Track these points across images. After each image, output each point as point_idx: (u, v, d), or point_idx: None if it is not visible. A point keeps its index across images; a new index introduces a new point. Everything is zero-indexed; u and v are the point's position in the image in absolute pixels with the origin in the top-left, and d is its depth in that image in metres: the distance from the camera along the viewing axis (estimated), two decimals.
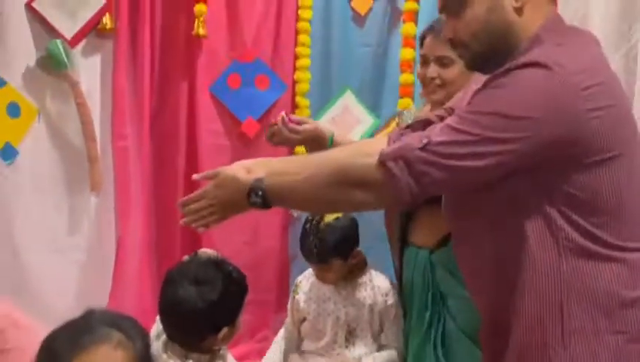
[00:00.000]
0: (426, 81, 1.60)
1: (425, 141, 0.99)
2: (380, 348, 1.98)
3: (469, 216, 1.12)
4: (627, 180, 1.02)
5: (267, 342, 2.37)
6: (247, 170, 1.16)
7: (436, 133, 1.01)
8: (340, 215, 1.92)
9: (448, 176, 1.00)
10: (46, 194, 2.40)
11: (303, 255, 2.02)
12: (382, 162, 1.02)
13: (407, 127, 1.27)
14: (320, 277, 2.00)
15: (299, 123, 1.66)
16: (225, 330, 1.37)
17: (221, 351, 1.44)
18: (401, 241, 1.73)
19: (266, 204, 1.13)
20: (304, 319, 2.07)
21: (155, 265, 2.68)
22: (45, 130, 2.42)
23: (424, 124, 1.20)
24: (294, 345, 2.09)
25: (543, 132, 0.97)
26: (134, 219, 2.56)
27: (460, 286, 1.52)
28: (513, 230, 1.03)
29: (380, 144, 1.09)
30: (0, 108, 2.32)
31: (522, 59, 1.01)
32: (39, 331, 1.81)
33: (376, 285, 2.00)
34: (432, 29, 1.61)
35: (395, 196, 1.03)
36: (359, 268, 2.01)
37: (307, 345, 2.06)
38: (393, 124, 2.05)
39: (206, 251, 1.55)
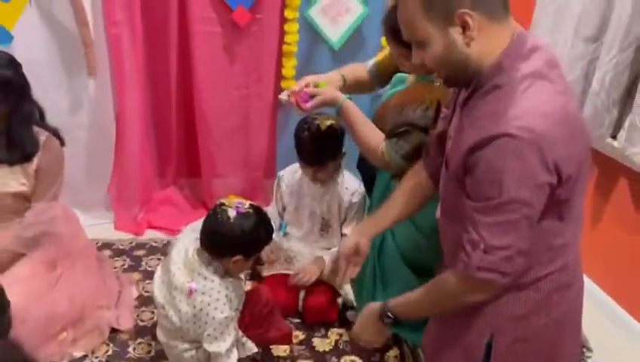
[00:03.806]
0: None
1: (482, 247, 1.19)
2: (342, 236, 2.27)
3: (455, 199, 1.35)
4: (574, 182, 1.20)
5: None
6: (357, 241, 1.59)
7: (484, 236, 1.19)
8: (334, 121, 2.07)
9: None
10: (45, 76, 2.46)
11: (301, 160, 2.18)
12: (470, 276, 1.23)
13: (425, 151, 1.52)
14: (314, 177, 2.20)
15: (307, 100, 1.80)
16: (239, 257, 1.72)
17: (236, 277, 1.79)
18: None
19: (397, 322, 1.47)
20: (285, 208, 2.37)
21: (154, 139, 2.89)
22: (38, 15, 2.43)
23: (438, 139, 1.44)
24: (277, 226, 2.38)
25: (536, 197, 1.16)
26: (130, 97, 2.67)
27: None
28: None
29: None
30: None
31: (496, 130, 1.11)
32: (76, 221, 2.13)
33: (346, 186, 2.25)
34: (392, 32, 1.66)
35: (495, 286, 1.25)
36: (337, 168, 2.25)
37: (290, 229, 2.38)
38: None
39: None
